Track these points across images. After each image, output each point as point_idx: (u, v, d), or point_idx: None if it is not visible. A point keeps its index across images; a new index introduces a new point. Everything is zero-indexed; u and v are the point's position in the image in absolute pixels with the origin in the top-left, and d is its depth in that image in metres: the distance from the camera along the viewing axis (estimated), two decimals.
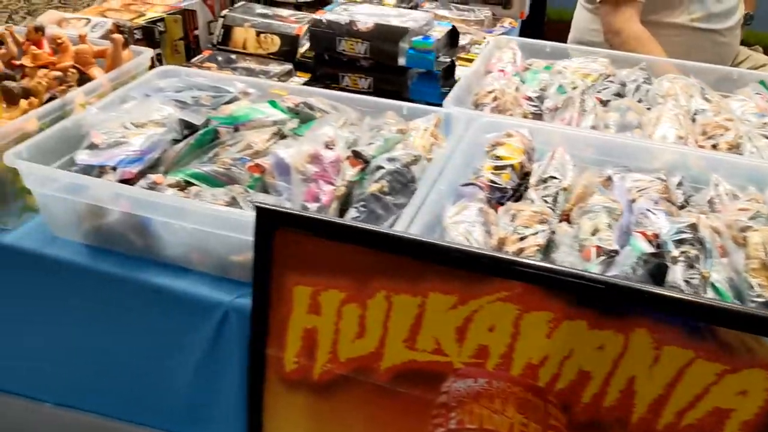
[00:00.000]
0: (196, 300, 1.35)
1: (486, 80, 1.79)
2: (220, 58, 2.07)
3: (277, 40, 2.14)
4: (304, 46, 2.11)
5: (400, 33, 1.83)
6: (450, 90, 1.90)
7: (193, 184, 1.42)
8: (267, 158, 1.40)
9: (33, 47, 1.76)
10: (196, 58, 2.08)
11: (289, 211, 1.21)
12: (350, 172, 1.32)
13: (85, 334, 1.49)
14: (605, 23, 2.62)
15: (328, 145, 1.35)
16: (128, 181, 1.40)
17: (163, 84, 1.66)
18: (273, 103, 1.50)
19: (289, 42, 2.12)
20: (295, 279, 1.20)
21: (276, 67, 2.05)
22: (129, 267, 1.40)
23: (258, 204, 1.17)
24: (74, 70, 1.66)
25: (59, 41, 1.75)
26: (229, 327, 1.34)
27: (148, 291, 1.38)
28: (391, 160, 1.33)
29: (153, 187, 1.37)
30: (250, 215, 1.25)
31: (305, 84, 2.01)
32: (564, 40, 2.88)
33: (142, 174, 1.43)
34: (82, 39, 1.77)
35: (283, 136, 1.49)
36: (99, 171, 1.43)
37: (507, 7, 2.80)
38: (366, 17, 1.89)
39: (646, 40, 2.47)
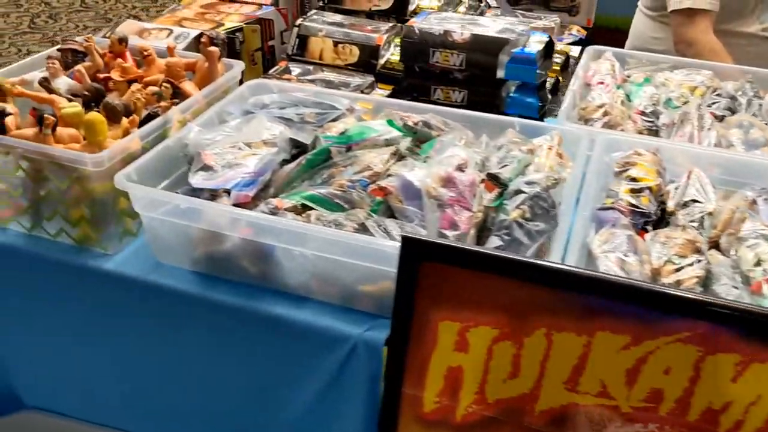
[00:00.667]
0: (321, 332, 1.27)
1: (591, 94, 1.72)
2: (297, 70, 2.00)
3: (356, 50, 2.06)
4: (384, 57, 2.04)
5: (500, 44, 1.75)
6: (544, 103, 1.84)
7: (310, 208, 1.34)
8: (390, 180, 1.33)
9: (119, 60, 1.68)
10: (272, 70, 2.00)
11: (439, 242, 1.13)
12: (488, 197, 1.25)
13: (192, 363, 1.41)
14: (678, 33, 2.55)
15: (461, 168, 1.27)
16: (243, 205, 1.33)
17: (254, 100, 1.58)
18: (390, 122, 1.42)
19: (369, 52, 2.04)
20: (441, 314, 1.12)
21: (357, 79, 1.97)
22: (244, 295, 1.32)
23: (405, 234, 1.09)
24: (168, 85, 1.58)
25: (146, 53, 1.67)
26: (356, 361, 1.26)
27: (266, 321, 1.30)
28: (530, 183, 1.25)
29: (275, 211, 1.29)
30: (389, 244, 1.18)
31: (389, 96, 1.93)
32: (616, 46, 2.80)
33: (254, 197, 1.35)
34: (170, 51, 1.69)
35: (401, 157, 1.41)
36: (210, 194, 1.35)
37: (573, 14, 2.73)
38: (460, 27, 1.81)
39: (721, 51, 2.40)
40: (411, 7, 2.22)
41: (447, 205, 1.24)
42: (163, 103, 1.49)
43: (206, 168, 1.35)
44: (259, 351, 1.34)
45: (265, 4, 2.13)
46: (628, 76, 1.88)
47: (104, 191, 1.36)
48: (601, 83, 1.81)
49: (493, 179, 1.26)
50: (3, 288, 1.52)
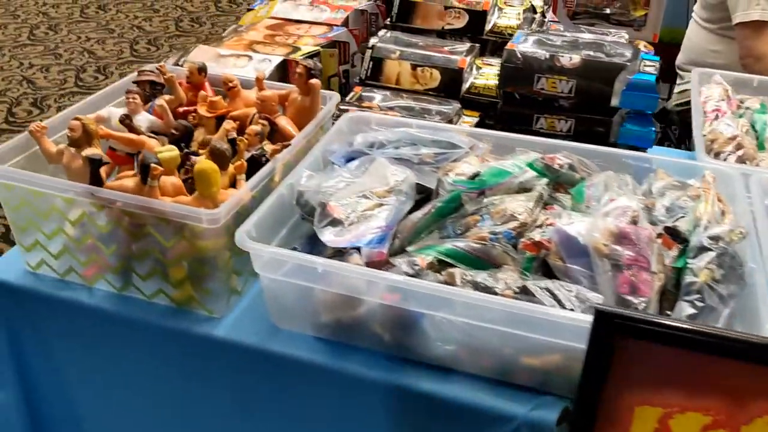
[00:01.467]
0: (478, 410, 1.12)
1: (716, 124, 1.58)
2: (377, 96, 1.83)
3: (436, 74, 1.90)
4: (468, 81, 1.88)
5: (616, 70, 1.61)
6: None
7: (447, 263, 1.19)
8: (545, 234, 1.17)
9: (202, 92, 1.51)
10: (349, 97, 1.83)
11: (643, 317, 0.98)
12: (670, 255, 1.10)
13: None
14: (745, 47, 2.43)
15: (634, 220, 1.12)
16: (377, 263, 1.17)
17: (362, 139, 1.42)
18: (531, 165, 1.27)
19: (452, 76, 1.89)
20: (637, 397, 0.97)
21: (441, 106, 1.82)
22: (381, 367, 1.17)
23: (599, 307, 0.94)
24: (265, 123, 1.41)
25: (231, 84, 1.51)
26: None
27: (411, 396, 1.15)
28: (714, 239, 1.10)
29: (419, 272, 1.14)
30: (577, 317, 1.03)
31: (478, 125, 1.78)
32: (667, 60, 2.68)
33: None
34: (260, 83, 1.52)
35: (545, 204, 1.26)
36: (335, 250, 1.19)
37: (637, 29, 2.60)
38: (566, 51, 1.66)
39: None
40: (488, 26, 2.07)
41: (624, 266, 1.09)
42: (270, 146, 1.32)
43: (336, 222, 1.18)
44: (399, 428, 1.18)
45: (336, 25, 1.97)
46: (741, 102, 1.74)
47: (214, 248, 1.19)
48: (717, 110, 1.67)
49: (673, 234, 1.11)
50: (88, 351, 1.35)
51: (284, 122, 1.46)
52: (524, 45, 1.69)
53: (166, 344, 1.28)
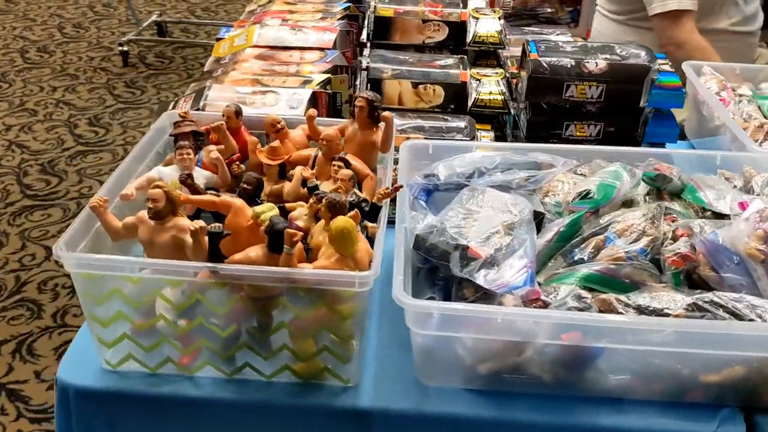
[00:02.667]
0: None
1: (739, 109, 1.65)
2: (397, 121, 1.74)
3: (440, 90, 1.85)
4: (472, 95, 1.85)
5: (644, 71, 1.63)
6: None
7: (593, 290, 1.15)
8: (687, 246, 1.16)
9: (253, 138, 1.36)
10: None
11: None
12: None
13: None
14: (665, 36, 2.56)
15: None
16: (532, 302, 1.10)
17: (444, 169, 1.34)
18: (646, 176, 1.25)
19: (455, 91, 1.84)
20: None
21: (454, 123, 1.77)
22: (546, 408, 1.11)
23: None
24: (341, 163, 1.29)
25: (279, 126, 1.37)
26: None
27: None
28: None
29: (587, 306, 1.09)
30: (755, 326, 1.03)
31: (498, 139, 1.75)
32: None
33: None
34: (311, 121, 1.39)
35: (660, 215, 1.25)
36: (477, 294, 1.12)
37: (573, 27, 2.68)
38: (592, 57, 1.66)
39: (709, 49, 2.44)
40: (469, 37, 2.04)
41: None
42: (382, 190, 1.19)
43: (486, 264, 1.10)
44: None
45: (328, 48, 1.85)
46: (733, 90, 1.83)
47: (358, 312, 1.07)
48: (722, 101, 1.75)
49: None
50: None
51: (353, 160, 1.34)
52: (548, 55, 1.67)
53: (293, 425, 1.13)
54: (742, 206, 1.20)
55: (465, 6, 2.08)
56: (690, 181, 1.29)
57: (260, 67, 1.72)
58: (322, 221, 1.14)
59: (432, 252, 1.16)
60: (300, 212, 1.20)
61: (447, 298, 1.15)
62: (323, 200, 1.11)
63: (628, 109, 1.67)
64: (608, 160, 1.42)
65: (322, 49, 1.85)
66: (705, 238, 1.15)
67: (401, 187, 1.21)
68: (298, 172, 1.29)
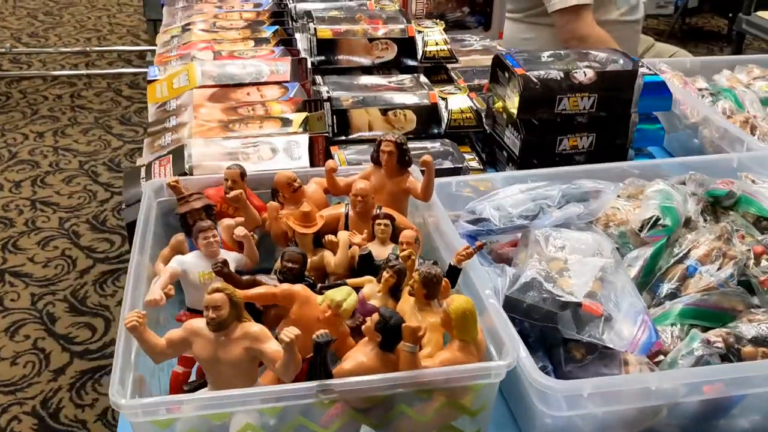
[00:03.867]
0: None
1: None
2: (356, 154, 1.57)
3: (411, 115, 1.70)
4: (444, 116, 1.72)
5: (632, 76, 1.58)
6: None
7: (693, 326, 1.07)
8: None
9: (273, 203, 1.15)
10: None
11: None
12: None
13: None
14: (567, 30, 2.56)
15: None
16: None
17: (490, 208, 1.21)
18: (711, 193, 1.18)
19: (428, 113, 1.71)
20: None
21: (437, 147, 1.63)
22: None
23: None
24: (386, 221, 1.12)
25: (295, 185, 1.17)
26: None
27: None
28: None
29: (719, 349, 1.00)
30: None
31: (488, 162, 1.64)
32: None
33: None
34: (330, 175, 1.20)
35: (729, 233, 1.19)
36: (588, 351, 1.00)
37: (487, 29, 2.62)
38: (577, 67, 1.58)
39: (610, 41, 2.47)
40: (419, 53, 1.90)
41: None
42: (462, 251, 1.03)
43: (607, 321, 0.98)
44: None
45: (286, 82, 1.64)
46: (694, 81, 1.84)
47: (486, 406, 0.91)
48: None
49: None
50: None
51: (395, 216, 1.17)
52: (534, 69, 1.57)
53: None
54: None
55: (408, 20, 1.94)
56: (743, 192, 1.25)
57: (221, 111, 1.49)
58: (410, 300, 0.97)
59: (533, 314, 1.02)
60: (371, 289, 1.02)
61: (553, 363, 1.02)
62: (418, 274, 0.94)
63: (618, 117, 1.61)
64: (621, 177, 1.36)
65: (279, 83, 1.64)
66: None
67: (484, 245, 1.06)
68: (344, 238, 1.10)
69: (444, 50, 1.92)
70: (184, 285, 1.03)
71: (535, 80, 1.55)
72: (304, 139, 1.33)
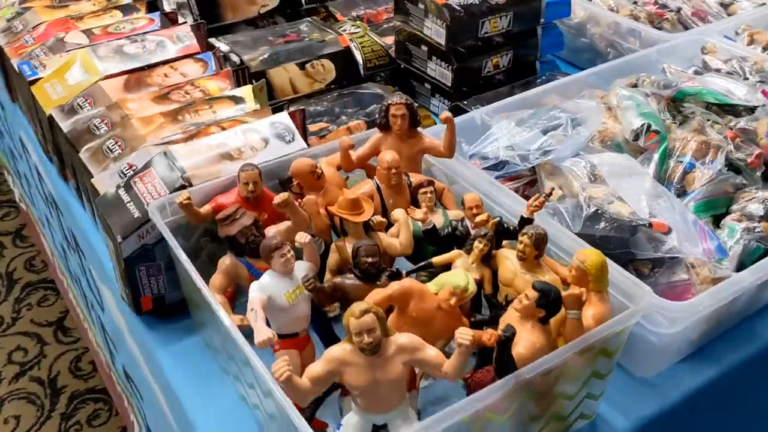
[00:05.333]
0: None
1: None
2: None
3: (328, 64, 1.62)
4: (360, 59, 1.65)
5: None
6: None
7: None
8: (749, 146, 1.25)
9: (311, 197, 1.06)
10: None
11: None
12: None
13: None
14: None
15: None
16: None
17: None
18: (688, 91, 1.28)
19: (343, 59, 1.63)
20: None
21: (378, 91, 1.58)
22: None
23: None
24: (431, 188, 1.08)
25: (318, 171, 1.08)
26: None
27: None
28: None
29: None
30: None
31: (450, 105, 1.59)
32: None
33: None
34: (346, 152, 1.11)
35: None
36: (655, 265, 1.07)
37: None
38: None
39: None
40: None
41: None
42: (534, 201, 1.00)
43: (673, 234, 1.05)
44: None
45: (198, 53, 1.46)
46: None
47: (622, 345, 0.95)
48: None
49: None
50: None
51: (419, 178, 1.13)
52: None
53: None
54: (766, 94, 1.31)
55: None
56: (698, 85, 1.36)
57: (152, 101, 1.30)
58: (512, 264, 0.96)
59: (606, 245, 1.04)
60: (464, 263, 0.99)
61: None
62: (528, 237, 0.93)
63: (528, 31, 1.66)
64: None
65: (191, 56, 1.46)
66: None
67: (551, 192, 1.07)
68: (403, 217, 1.05)
69: None
70: (270, 311, 0.92)
71: (459, 8, 1.54)
72: (285, 119, 1.21)
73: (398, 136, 1.16)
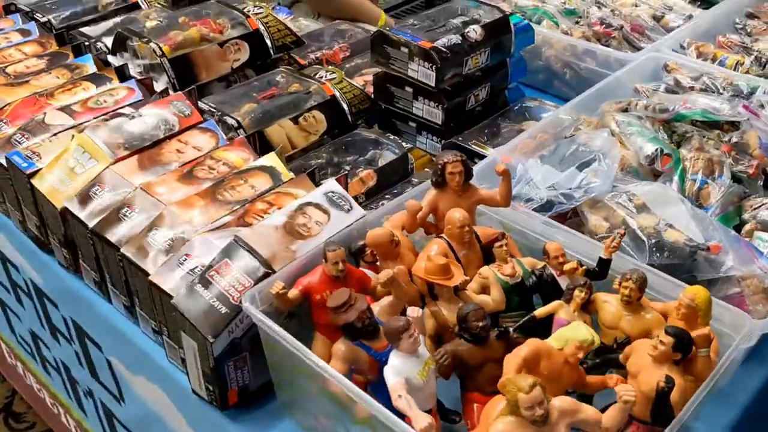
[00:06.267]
0: None
1: None
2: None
3: (319, 115, 1.61)
4: (346, 108, 1.65)
5: (507, 22, 1.68)
6: None
7: None
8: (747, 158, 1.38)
9: (401, 267, 1.06)
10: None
11: None
12: None
13: None
14: None
15: None
16: None
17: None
18: (686, 115, 1.38)
19: (332, 108, 1.63)
20: None
21: (377, 138, 1.59)
22: None
23: None
24: (505, 241, 1.11)
25: (396, 239, 1.10)
26: None
27: None
28: None
29: None
30: None
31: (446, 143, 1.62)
32: None
33: None
34: (413, 214, 1.12)
35: None
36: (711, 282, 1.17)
37: None
38: (460, 27, 1.64)
39: None
40: (269, 43, 1.75)
41: None
42: (610, 242, 1.06)
43: (727, 253, 1.14)
44: None
45: (200, 123, 1.40)
46: None
47: None
48: None
49: None
50: None
51: (486, 231, 1.17)
52: (439, 38, 1.58)
53: None
54: (747, 108, 1.45)
55: (243, 14, 1.75)
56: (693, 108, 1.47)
57: (178, 181, 1.25)
58: (612, 307, 1.02)
59: (673, 271, 1.12)
60: (567, 312, 1.03)
61: None
62: (633, 281, 0.99)
63: (501, 63, 1.73)
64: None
65: (194, 127, 1.41)
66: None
67: (625, 232, 1.13)
68: (492, 274, 1.08)
69: (289, 35, 1.80)
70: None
71: (445, 50, 1.58)
72: (336, 186, 1.20)
73: (454, 192, 1.19)
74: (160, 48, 1.58)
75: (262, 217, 1.17)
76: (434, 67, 1.57)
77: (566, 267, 1.07)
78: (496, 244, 1.12)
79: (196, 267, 1.10)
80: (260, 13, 1.79)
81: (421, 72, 1.60)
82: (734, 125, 1.46)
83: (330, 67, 1.77)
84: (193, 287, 1.06)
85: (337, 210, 1.17)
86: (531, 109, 1.73)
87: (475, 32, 1.64)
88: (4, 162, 1.36)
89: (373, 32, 1.68)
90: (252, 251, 1.07)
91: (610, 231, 1.23)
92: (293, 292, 1.04)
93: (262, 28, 1.75)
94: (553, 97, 1.87)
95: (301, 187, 1.25)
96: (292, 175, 1.29)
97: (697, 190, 1.35)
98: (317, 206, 1.16)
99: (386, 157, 1.56)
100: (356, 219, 1.17)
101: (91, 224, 1.22)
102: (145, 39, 1.61)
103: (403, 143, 1.55)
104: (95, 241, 1.22)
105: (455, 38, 1.61)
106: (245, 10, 1.78)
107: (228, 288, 1.04)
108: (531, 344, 0.95)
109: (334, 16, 2.34)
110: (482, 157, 1.52)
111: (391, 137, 1.62)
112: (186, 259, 1.12)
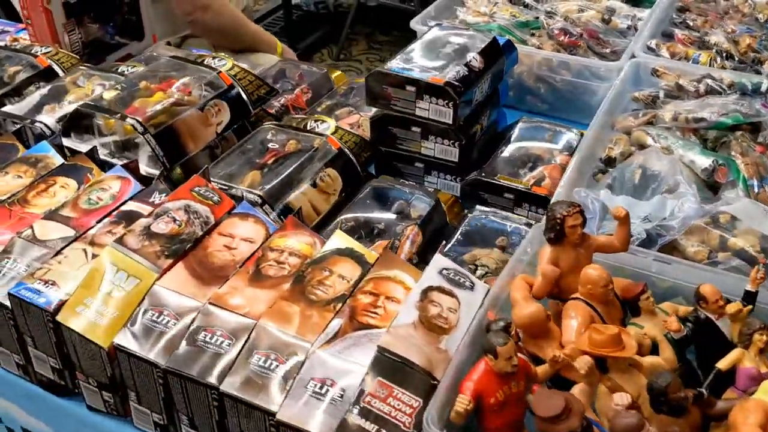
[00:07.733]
0: None
1: None
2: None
3: (333, 172, 1.45)
4: (353, 159, 1.49)
5: (498, 45, 1.60)
6: None
7: None
8: None
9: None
10: None
11: None
12: None
13: None
14: (185, 3, 2.31)
15: None
16: None
17: None
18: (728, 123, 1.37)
19: (342, 162, 1.47)
20: None
21: (417, 197, 1.43)
22: None
23: None
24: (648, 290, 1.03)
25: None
26: None
27: None
28: None
29: None
30: None
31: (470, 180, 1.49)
32: None
33: None
34: (549, 282, 1.01)
35: None
36: None
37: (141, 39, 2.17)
38: (463, 55, 1.54)
39: (229, 5, 2.35)
40: (246, 99, 1.54)
41: None
42: (756, 274, 1.01)
43: None
44: None
45: (233, 210, 1.18)
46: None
47: None
48: None
49: None
50: None
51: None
52: (439, 73, 1.46)
53: None
54: (765, 106, 1.47)
55: (214, 69, 1.52)
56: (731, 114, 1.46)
57: (251, 285, 1.04)
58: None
59: None
60: (750, 358, 0.97)
61: None
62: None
63: (495, 88, 1.65)
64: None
65: (231, 214, 1.19)
66: None
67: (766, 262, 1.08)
68: (660, 334, 0.99)
69: (262, 86, 1.60)
70: None
71: (458, 84, 1.46)
72: (447, 262, 1.05)
73: (572, 244, 1.08)
74: (140, 123, 1.33)
75: (376, 313, 1.00)
76: (451, 103, 1.45)
77: (730, 310, 1.01)
78: (643, 297, 1.04)
79: (338, 393, 0.91)
80: (224, 64, 1.58)
81: (434, 110, 1.48)
82: (752, 125, 1.48)
83: (323, 116, 1.59)
84: (348, 419, 0.88)
85: (461, 289, 1.03)
86: (530, 131, 1.66)
87: (476, 60, 1.54)
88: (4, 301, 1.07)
89: (369, 73, 1.52)
90: (407, 362, 0.91)
91: (711, 254, 1.19)
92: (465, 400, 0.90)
93: (234, 83, 1.54)
94: (535, 114, 1.82)
95: (395, 267, 1.09)
96: (374, 253, 1.12)
97: (756, 195, 1.35)
98: (441, 290, 1.01)
99: (417, 207, 1.42)
100: (483, 296, 1.03)
101: (162, 362, 0.98)
102: (117, 114, 1.35)
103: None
104: (172, 382, 0.99)
105: (462, 69, 1.50)
106: (208, 64, 1.56)
107: (394, 413, 0.87)
108: (761, 406, 0.88)
109: (232, 48, 2.17)
110: (515, 191, 1.45)
111: (407, 183, 1.49)
112: (315, 384, 0.93)
